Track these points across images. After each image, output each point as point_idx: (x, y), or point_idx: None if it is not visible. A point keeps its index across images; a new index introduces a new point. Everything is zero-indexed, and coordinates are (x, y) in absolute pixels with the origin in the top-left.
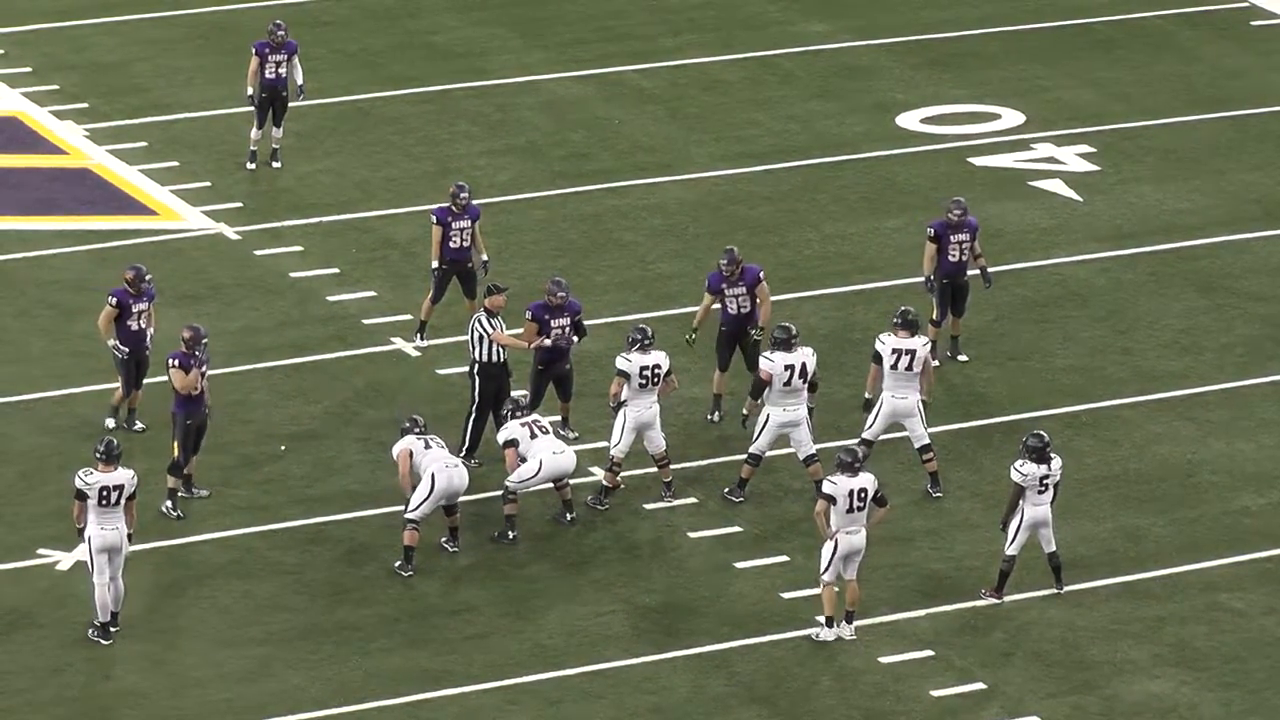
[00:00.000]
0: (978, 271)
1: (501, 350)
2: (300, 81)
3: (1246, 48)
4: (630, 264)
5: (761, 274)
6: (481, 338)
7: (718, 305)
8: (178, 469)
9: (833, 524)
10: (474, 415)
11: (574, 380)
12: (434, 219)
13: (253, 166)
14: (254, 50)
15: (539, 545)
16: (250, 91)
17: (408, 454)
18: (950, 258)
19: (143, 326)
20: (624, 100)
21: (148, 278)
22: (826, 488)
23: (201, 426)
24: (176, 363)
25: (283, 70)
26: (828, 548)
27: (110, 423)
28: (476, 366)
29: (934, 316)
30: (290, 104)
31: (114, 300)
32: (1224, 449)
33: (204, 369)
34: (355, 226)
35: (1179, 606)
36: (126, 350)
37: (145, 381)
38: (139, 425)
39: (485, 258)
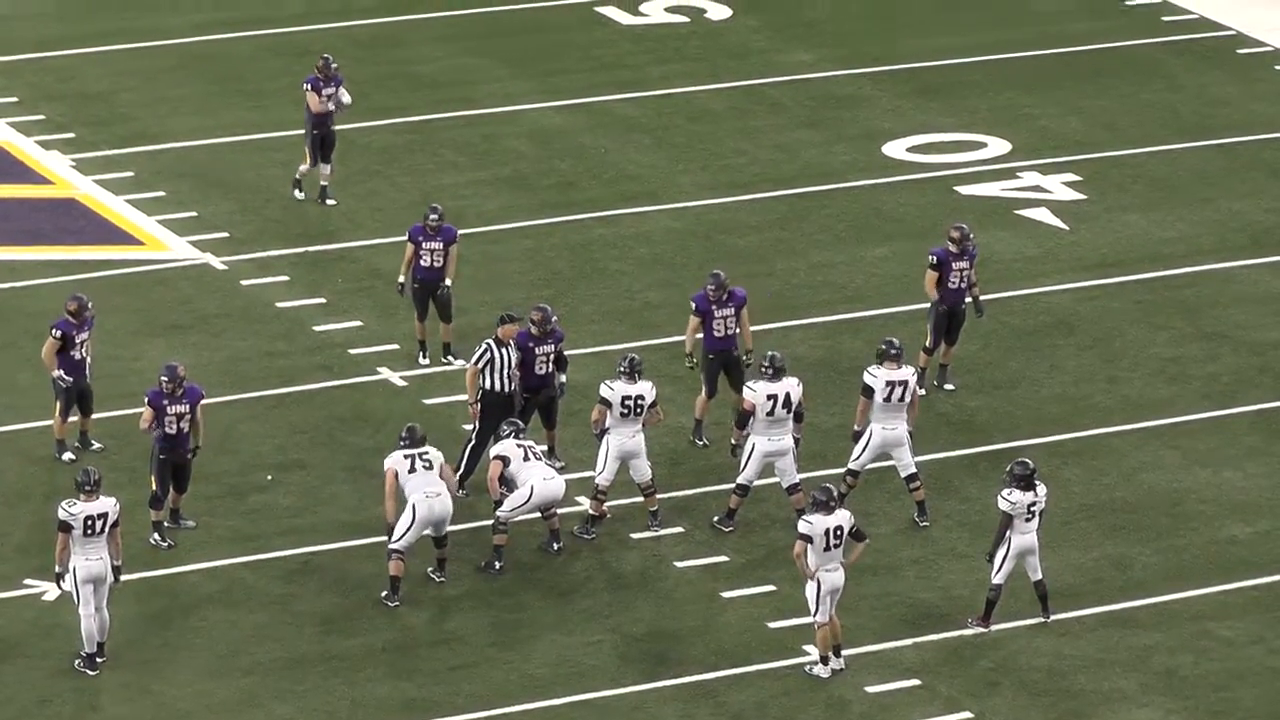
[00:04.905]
0: (970, 300)
1: (509, 380)
2: (348, 101)
3: (1233, 76)
4: (617, 293)
5: (745, 297)
6: (489, 364)
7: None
8: (157, 502)
9: (811, 563)
10: (473, 442)
11: (558, 408)
12: (406, 236)
13: (300, 195)
14: (308, 86)
15: (526, 575)
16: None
17: (394, 474)
18: (951, 285)
19: (84, 356)
20: (610, 129)
21: (90, 307)
22: (803, 527)
23: (179, 464)
24: (148, 400)
25: (331, 104)
26: (810, 588)
27: (69, 456)
28: (481, 394)
29: (927, 344)
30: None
31: (58, 333)
32: (1211, 478)
33: (190, 405)
34: (342, 256)
35: (1166, 635)
36: (70, 380)
37: (128, 411)
38: (95, 445)
39: (448, 282)
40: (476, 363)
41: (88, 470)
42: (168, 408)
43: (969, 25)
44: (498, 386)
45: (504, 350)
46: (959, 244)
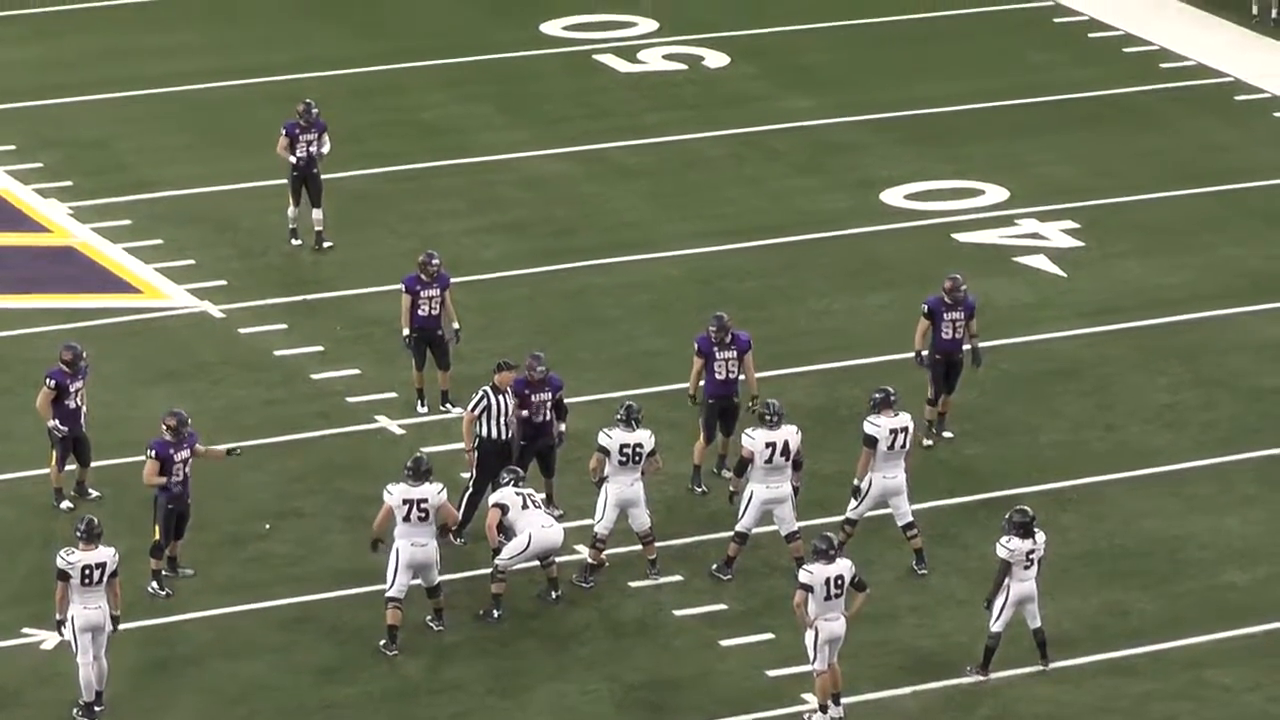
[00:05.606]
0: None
1: (506, 428)
2: (324, 151)
3: (1231, 122)
4: (616, 341)
5: (750, 342)
6: (486, 411)
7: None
8: (159, 551)
9: (811, 612)
10: (470, 491)
11: (557, 456)
12: (403, 287)
13: (298, 243)
14: (284, 130)
15: (524, 623)
16: (294, 171)
17: (389, 511)
18: (944, 335)
19: (79, 405)
20: (608, 177)
21: (85, 356)
22: (803, 577)
23: (183, 513)
24: (154, 453)
25: (314, 149)
26: (809, 637)
27: (67, 504)
28: (478, 441)
29: (929, 395)
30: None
31: (52, 382)
32: (1209, 524)
33: (191, 449)
34: (339, 304)
35: (1165, 683)
36: (65, 430)
37: (127, 460)
38: (93, 494)
39: (457, 325)
40: (473, 410)
41: (88, 519)
42: (174, 455)
43: (966, 72)
44: (495, 434)
45: (500, 397)
46: (951, 294)
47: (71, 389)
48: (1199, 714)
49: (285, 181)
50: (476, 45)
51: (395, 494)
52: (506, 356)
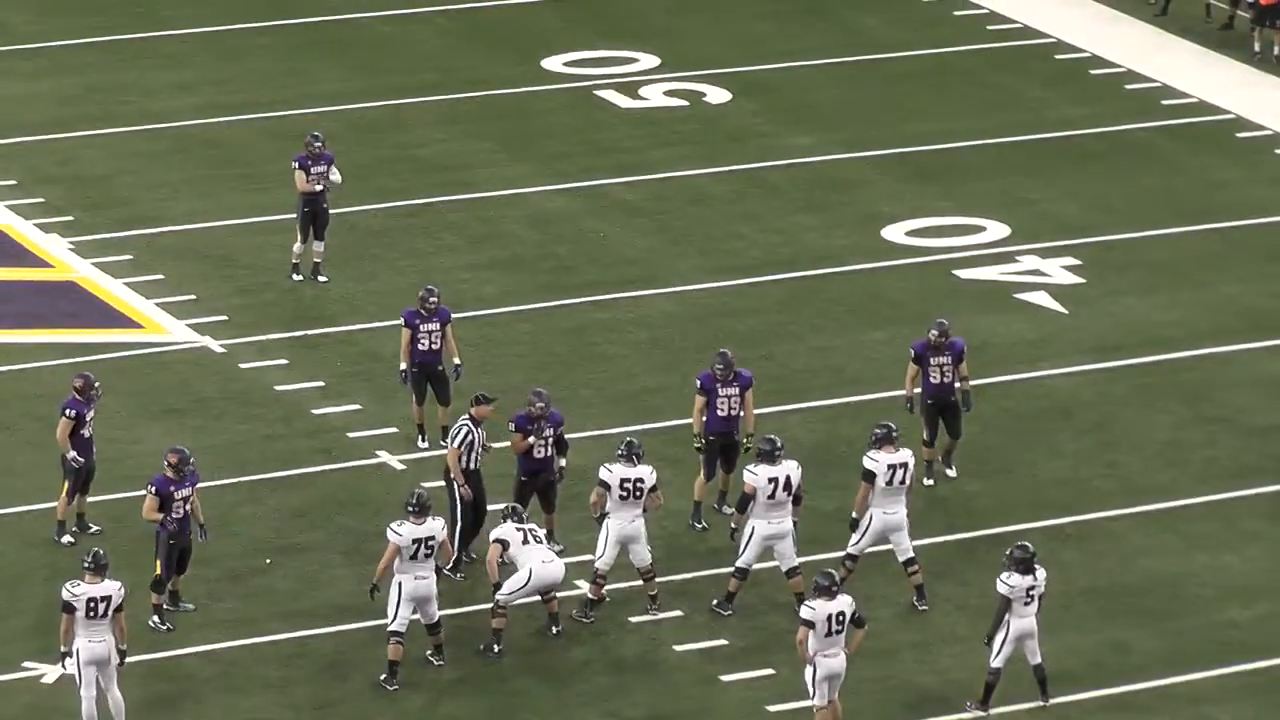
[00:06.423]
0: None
1: (478, 458)
2: (337, 180)
3: (1232, 160)
4: (616, 377)
5: (751, 380)
6: (469, 447)
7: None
8: (160, 586)
9: (811, 648)
10: (459, 523)
11: (557, 492)
12: (402, 321)
13: (298, 278)
14: (296, 164)
15: (524, 658)
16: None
17: (395, 551)
18: (933, 379)
19: (92, 434)
20: (609, 213)
21: (96, 384)
22: (805, 613)
23: (186, 548)
24: (154, 489)
25: (320, 184)
26: (808, 673)
27: (68, 539)
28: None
29: (924, 437)
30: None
31: (71, 413)
32: (1210, 561)
33: (192, 488)
34: (340, 340)
35: (1166, 719)
36: (82, 461)
37: (127, 494)
38: (93, 528)
39: (458, 361)
40: (458, 445)
41: (95, 551)
42: (175, 493)
43: (967, 109)
44: (473, 466)
45: (480, 431)
46: (937, 339)
47: (87, 418)
48: None
49: (287, 217)
50: (478, 81)
51: (405, 534)
52: (485, 391)
